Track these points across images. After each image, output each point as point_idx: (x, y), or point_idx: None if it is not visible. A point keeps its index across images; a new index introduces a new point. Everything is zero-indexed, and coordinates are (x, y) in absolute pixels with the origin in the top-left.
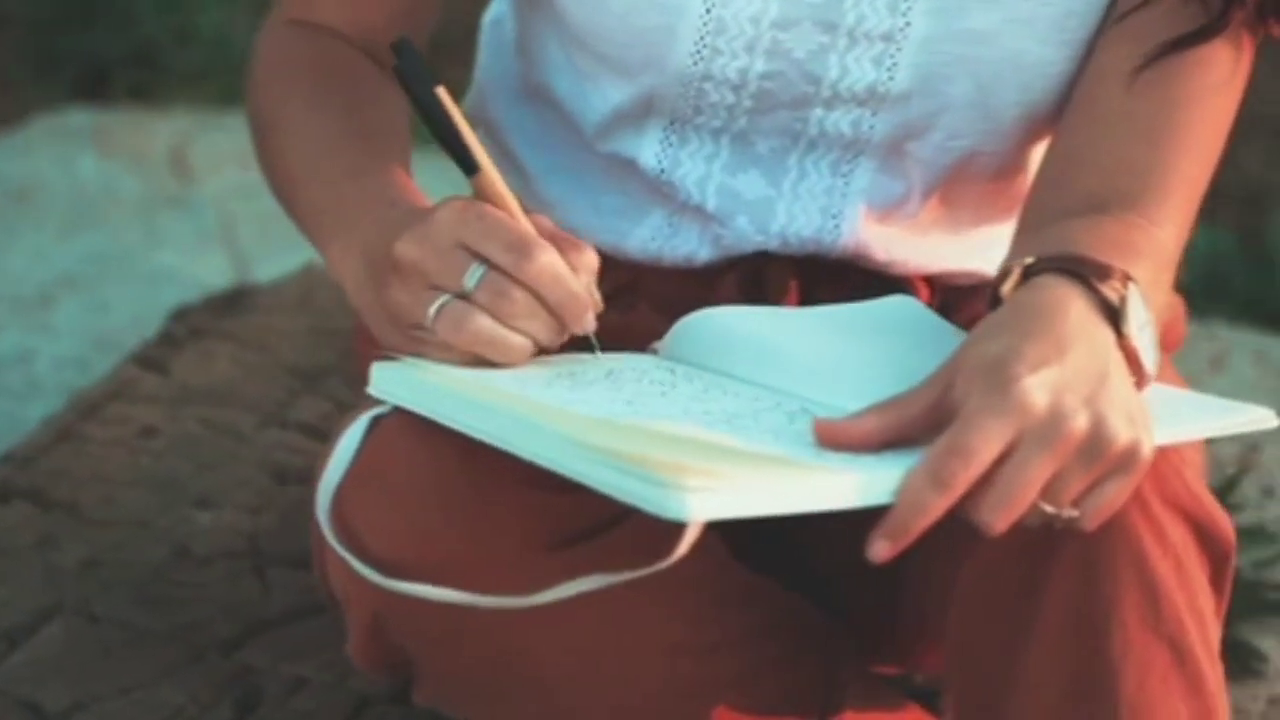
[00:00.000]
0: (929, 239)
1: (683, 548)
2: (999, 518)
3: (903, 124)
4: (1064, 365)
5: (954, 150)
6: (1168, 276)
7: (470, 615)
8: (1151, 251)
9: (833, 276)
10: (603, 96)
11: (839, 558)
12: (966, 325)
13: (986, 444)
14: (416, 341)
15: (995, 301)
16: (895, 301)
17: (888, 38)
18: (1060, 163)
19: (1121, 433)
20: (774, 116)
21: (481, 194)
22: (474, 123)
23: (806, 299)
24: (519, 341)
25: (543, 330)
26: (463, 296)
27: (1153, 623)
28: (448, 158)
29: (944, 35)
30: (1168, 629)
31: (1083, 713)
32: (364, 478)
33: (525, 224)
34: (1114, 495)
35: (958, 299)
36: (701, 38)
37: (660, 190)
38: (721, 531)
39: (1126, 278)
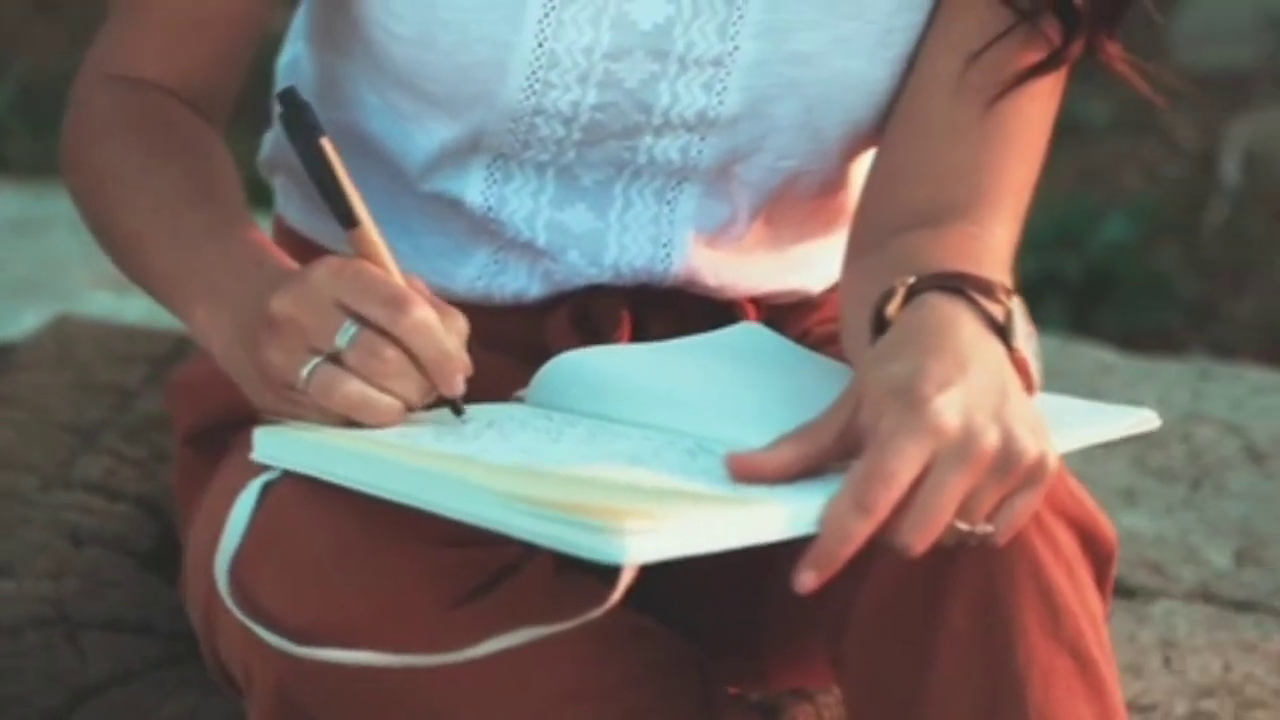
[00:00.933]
0: (754, 260)
1: (617, 593)
2: (919, 539)
3: (731, 148)
4: (968, 383)
5: (781, 171)
6: (1007, 281)
7: (383, 676)
8: (991, 259)
9: (663, 304)
10: (427, 136)
11: (695, 578)
12: (796, 342)
13: (905, 466)
14: (291, 403)
15: (880, 323)
16: (741, 329)
17: (717, 63)
18: (889, 176)
19: (1030, 446)
20: (603, 147)
21: (359, 249)
22: (276, 168)
23: (638, 328)
24: (389, 403)
25: (413, 390)
26: (335, 356)
27: (1054, 631)
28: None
29: (772, 58)
30: (1068, 636)
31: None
32: (262, 546)
33: (401, 282)
34: (1024, 508)
35: (783, 317)
36: (533, 72)
37: (486, 228)
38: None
39: (1008, 292)
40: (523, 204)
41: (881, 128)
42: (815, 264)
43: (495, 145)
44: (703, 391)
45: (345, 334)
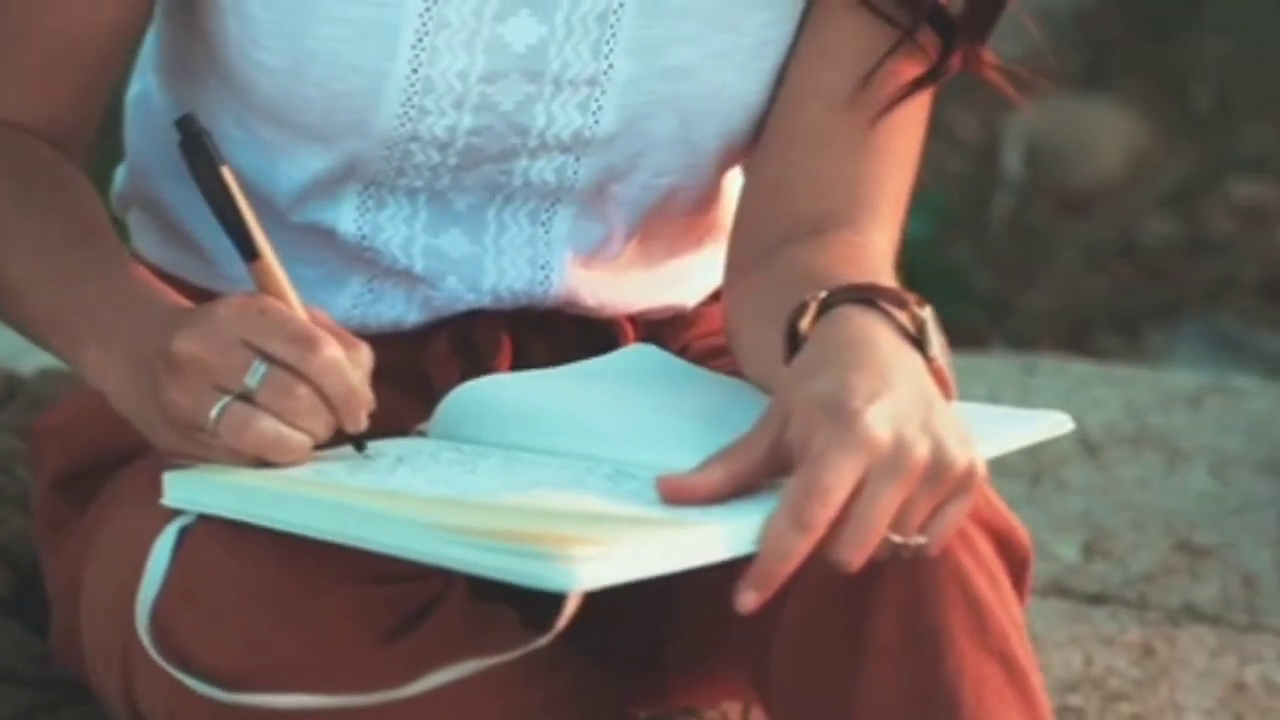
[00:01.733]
0: (629, 278)
1: (562, 621)
2: (856, 553)
3: (607, 167)
4: (895, 395)
5: (657, 188)
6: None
7: (315, 718)
8: (878, 266)
9: (541, 327)
10: (298, 167)
11: (600, 599)
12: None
13: (840, 481)
14: (196, 443)
15: (794, 337)
16: (631, 351)
17: (592, 82)
18: (768, 187)
19: (960, 456)
20: (478, 172)
21: (260, 282)
22: (130, 203)
23: (519, 351)
24: (301, 440)
25: (321, 427)
26: (244, 395)
27: (981, 639)
28: None
29: (646, 75)
30: (995, 643)
31: None
32: (183, 592)
33: (305, 316)
34: (955, 517)
35: (659, 333)
36: (408, 99)
37: (361, 257)
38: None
39: (920, 302)
40: (397, 231)
41: (754, 140)
42: (688, 279)
43: (368, 173)
44: (610, 416)
45: (255, 373)
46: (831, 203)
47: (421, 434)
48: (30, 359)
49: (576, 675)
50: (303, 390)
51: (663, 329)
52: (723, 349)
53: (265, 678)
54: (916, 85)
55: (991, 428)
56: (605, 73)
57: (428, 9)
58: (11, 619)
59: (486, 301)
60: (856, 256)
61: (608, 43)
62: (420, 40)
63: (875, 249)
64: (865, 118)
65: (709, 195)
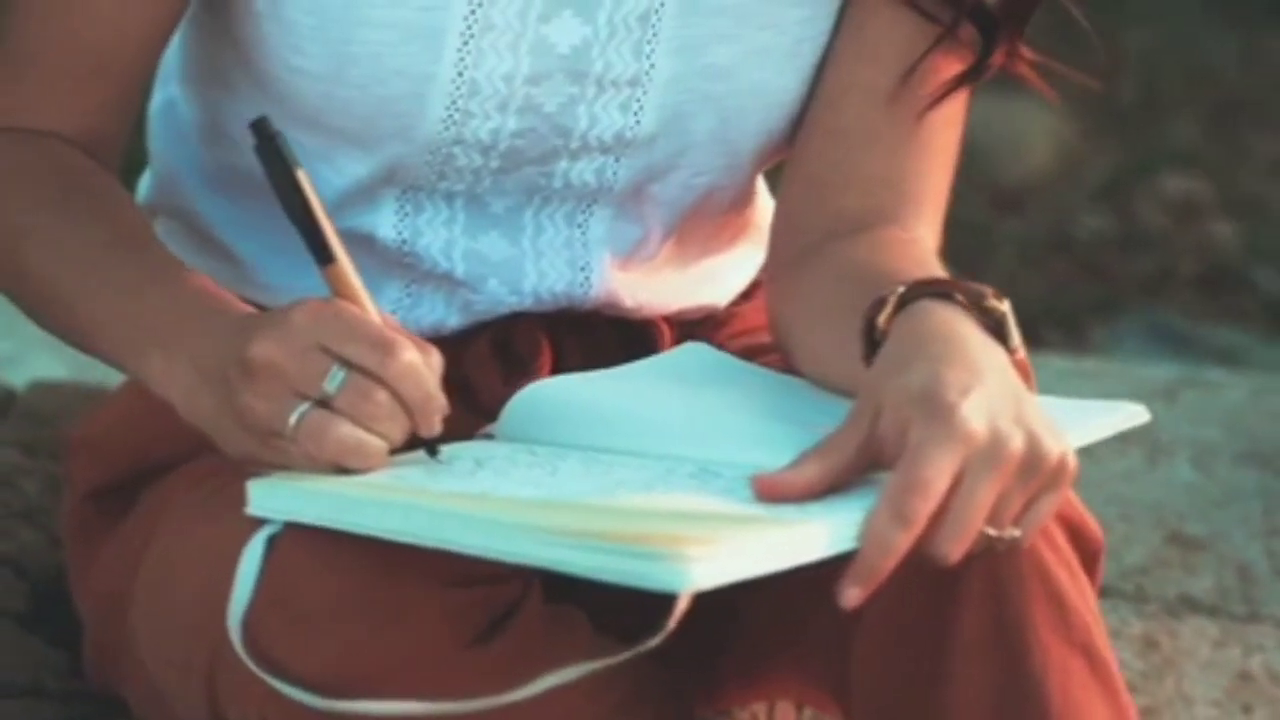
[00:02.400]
0: (664, 278)
1: (673, 621)
2: (954, 547)
3: (646, 167)
4: (986, 387)
5: (695, 188)
6: None
7: None
8: (929, 263)
9: (579, 329)
10: (337, 173)
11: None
12: None
13: (940, 475)
14: (274, 450)
15: (872, 332)
16: (686, 350)
17: (634, 82)
18: (812, 184)
19: (1053, 448)
20: (519, 174)
21: (335, 286)
22: (156, 212)
23: (557, 354)
24: (379, 445)
25: (398, 432)
26: (322, 401)
27: (1064, 632)
28: None
29: (686, 74)
30: (1078, 636)
31: None
32: (275, 600)
33: (379, 320)
34: (1048, 510)
35: (693, 333)
36: (453, 102)
37: (400, 261)
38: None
39: (998, 295)
40: (437, 235)
41: (790, 138)
42: (720, 278)
43: (409, 178)
44: (680, 415)
45: (334, 379)
46: (877, 199)
47: (489, 436)
48: (21, 371)
49: (643, 676)
50: (381, 395)
51: (697, 329)
52: (760, 348)
53: (361, 684)
54: (959, 82)
55: (1072, 420)
56: (647, 73)
57: (473, 11)
58: (32, 633)
59: (528, 304)
60: (910, 253)
61: (649, 42)
62: (466, 43)
63: (923, 245)
64: (908, 114)
65: (744, 194)
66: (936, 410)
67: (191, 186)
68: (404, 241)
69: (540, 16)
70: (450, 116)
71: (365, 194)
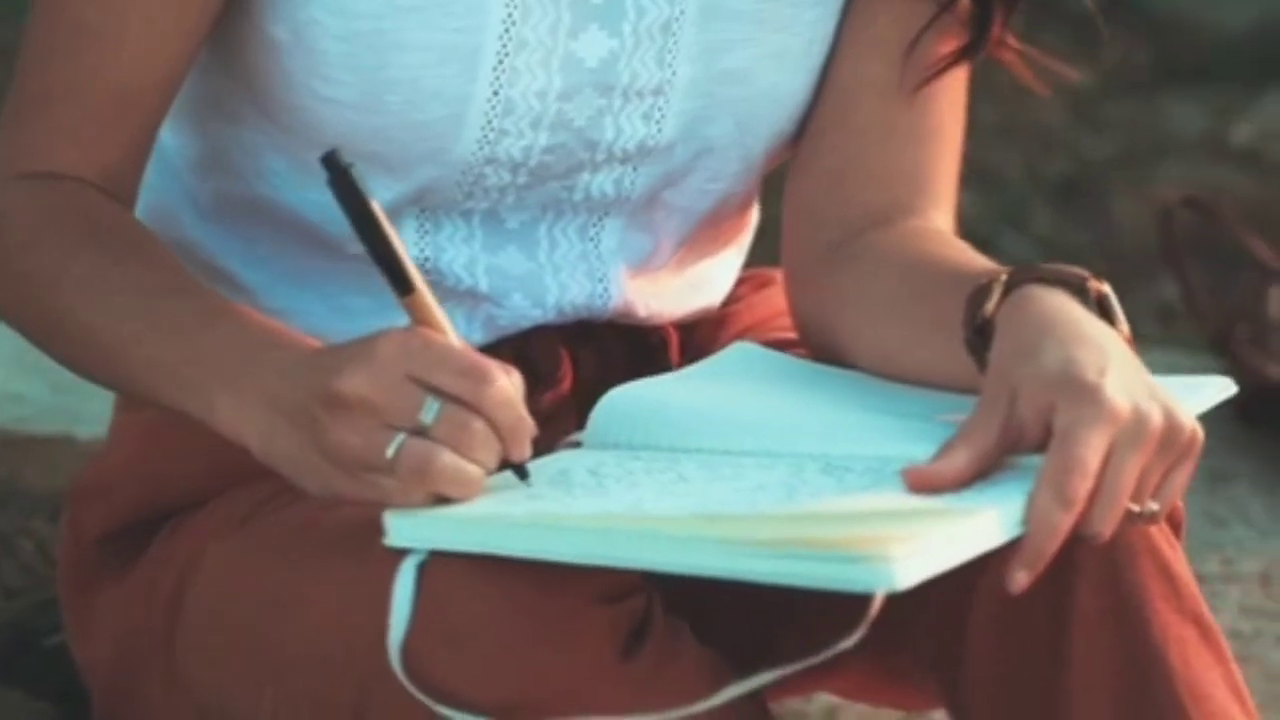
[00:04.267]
0: (669, 285)
1: (868, 621)
2: (1107, 524)
3: (664, 174)
4: (1118, 367)
5: (710, 193)
6: None
7: None
8: (969, 250)
9: (592, 339)
10: None
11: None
12: (699, 358)
13: (1094, 455)
14: (368, 485)
15: (979, 321)
16: (737, 350)
17: (657, 91)
18: (827, 182)
19: (1186, 421)
20: (542, 189)
21: (417, 315)
22: None
23: (575, 364)
24: (477, 473)
25: (492, 458)
26: (419, 432)
27: (1176, 603)
28: None
29: (705, 79)
30: (1189, 606)
31: (1146, 700)
32: (436, 628)
33: (460, 344)
34: (1182, 482)
35: (695, 337)
36: (488, 121)
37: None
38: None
39: (1097, 277)
40: (459, 252)
41: (794, 138)
42: (714, 282)
43: (436, 200)
44: (777, 411)
45: (430, 410)
46: (896, 192)
47: (575, 444)
48: None
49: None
50: (478, 424)
51: (697, 332)
52: (770, 344)
53: (534, 705)
54: (958, 56)
55: (1178, 394)
56: (669, 81)
57: (506, 30)
58: (10, 687)
59: (551, 317)
60: (953, 243)
61: (670, 51)
62: (500, 62)
63: (950, 234)
64: (920, 106)
65: (749, 198)
66: (1081, 392)
67: (187, 219)
68: (426, 260)
69: (569, 32)
70: (485, 136)
71: (390, 216)
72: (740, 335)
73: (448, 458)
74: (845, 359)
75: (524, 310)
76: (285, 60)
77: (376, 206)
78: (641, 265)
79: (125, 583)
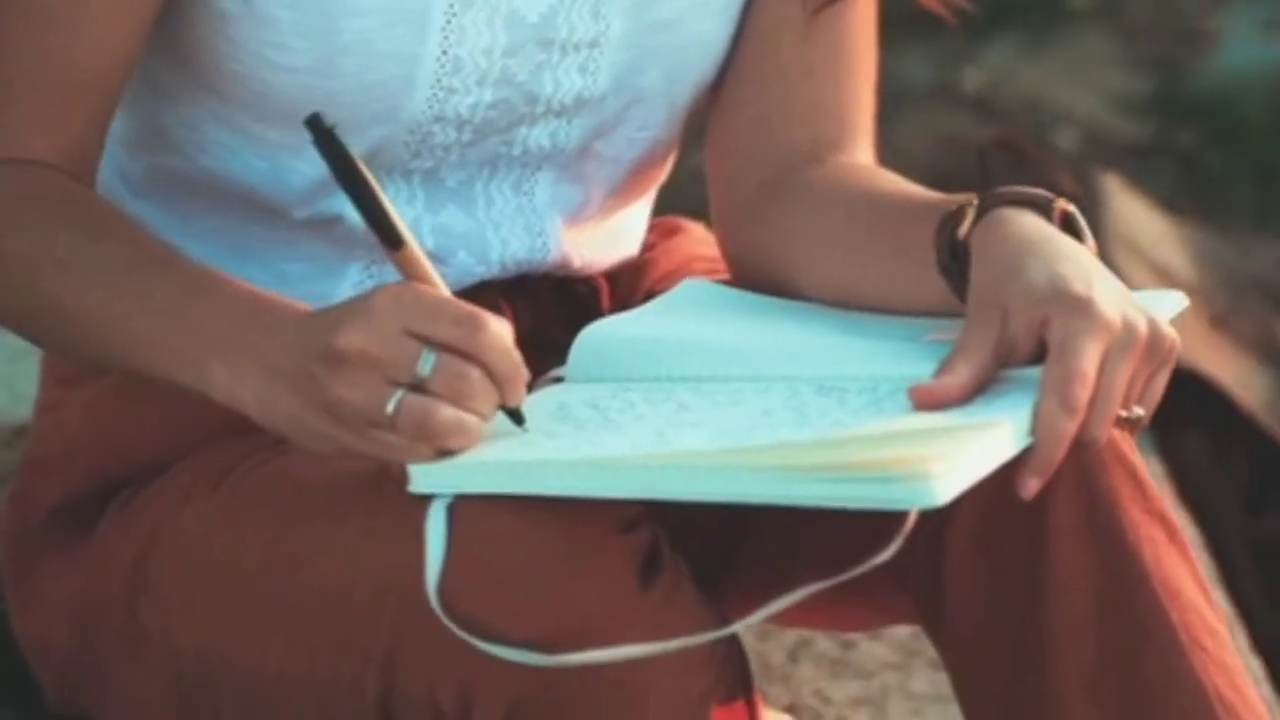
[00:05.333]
0: (596, 235)
1: (901, 538)
2: (1103, 429)
3: (596, 126)
4: (1101, 280)
5: (638, 142)
6: None
7: (618, 672)
8: (905, 181)
9: (529, 292)
10: (312, 164)
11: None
12: (625, 306)
13: (1092, 364)
14: (372, 440)
15: (953, 244)
16: (688, 286)
17: (593, 44)
18: (754, 124)
19: (1167, 329)
20: (484, 145)
21: (407, 269)
22: None
23: (516, 318)
24: (477, 423)
25: (490, 406)
26: (417, 385)
27: (1145, 504)
28: None
29: (636, 30)
30: (1156, 507)
31: (1125, 599)
32: (472, 566)
33: (450, 295)
34: (1162, 387)
35: (621, 284)
36: (438, 80)
37: (366, 242)
38: None
39: (1061, 197)
40: (404, 213)
41: (716, 84)
42: (632, 230)
43: (385, 160)
44: (754, 338)
45: (426, 362)
46: (822, 129)
47: (557, 379)
48: None
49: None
50: (475, 373)
51: (620, 280)
52: None
53: (573, 635)
54: None
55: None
56: (604, 33)
57: None
58: None
59: (495, 272)
60: (886, 174)
61: (605, 3)
62: (449, 21)
63: (879, 167)
64: (838, 44)
65: (672, 145)
66: (1074, 305)
67: (122, 196)
68: None
69: None
70: (434, 95)
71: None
72: (661, 281)
73: (447, 411)
74: (796, 293)
75: (469, 267)
76: (234, 31)
77: (362, 165)
78: (574, 217)
79: (77, 555)
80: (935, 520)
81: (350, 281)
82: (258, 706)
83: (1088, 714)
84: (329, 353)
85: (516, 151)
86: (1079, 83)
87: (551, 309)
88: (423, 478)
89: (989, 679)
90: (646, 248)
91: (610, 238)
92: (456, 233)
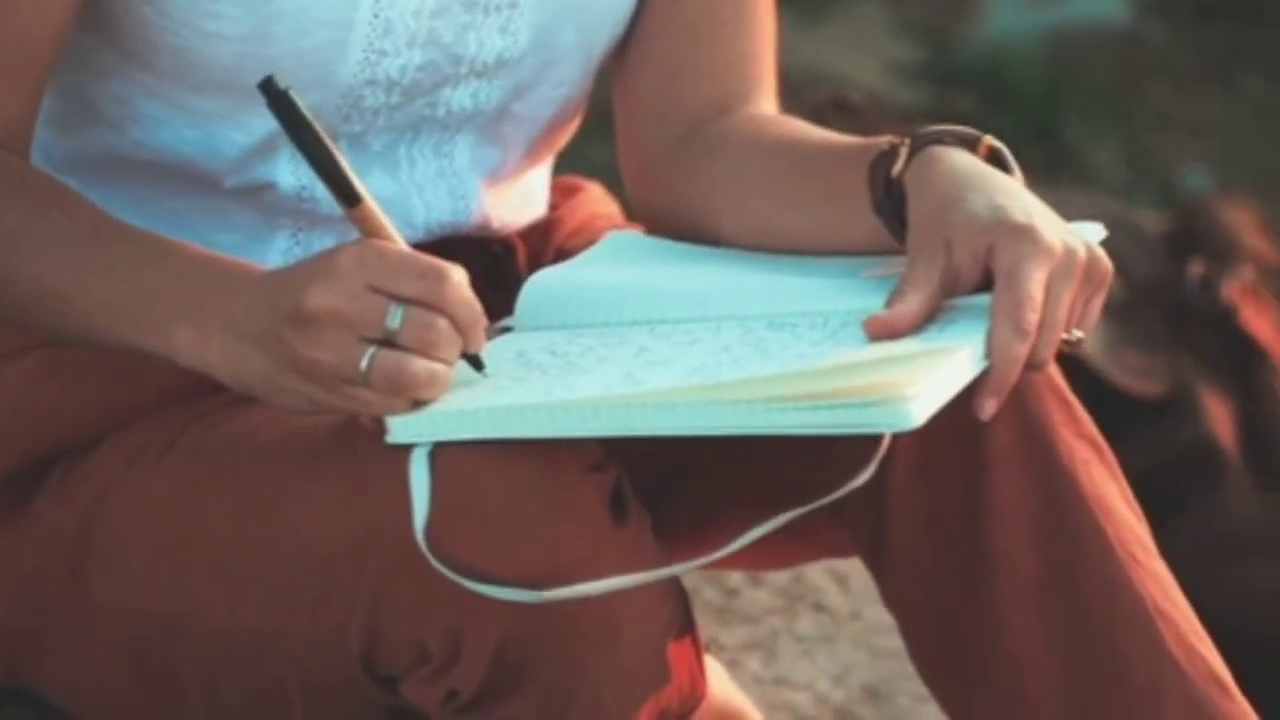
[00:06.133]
0: (510, 196)
1: (876, 460)
2: (1049, 351)
3: (515, 86)
4: (1039, 209)
5: (554, 100)
6: None
7: (599, 606)
8: (815, 128)
9: (450, 254)
10: (244, 131)
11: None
12: (554, 261)
13: (1039, 288)
14: (345, 396)
15: (887, 183)
16: (618, 237)
17: (512, 4)
18: (664, 80)
19: (1102, 255)
20: (410, 108)
21: (364, 225)
22: None
23: None
24: (446, 372)
25: (454, 354)
26: (387, 340)
27: (1075, 427)
28: None
29: None
30: (1085, 430)
31: (1062, 518)
32: (461, 510)
33: (409, 249)
34: (1099, 310)
35: (529, 242)
36: (369, 43)
37: (295, 209)
38: None
39: (986, 133)
40: None
41: (622, 41)
42: (538, 190)
43: (322, 125)
44: (695, 281)
45: (395, 316)
46: (730, 83)
47: (506, 329)
48: None
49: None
50: (442, 322)
51: (533, 238)
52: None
53: (560, 571)
54: None
55: None
56: None
57: None
58: None
59: (420, 236)
60: (799, 123)
61: None
62: None
63: (785, 116)
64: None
65: (583, 102)
66: (1017, 232)
67: (51, 170)
68: (303, 188)
69: None
70: (366, 58)
71: (268, 147)
72: (570, 238)
73: (419, 364)
74: (720, 242)
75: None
76: (167, 3)
77: (318, 125)
78: (492, 178)
79: (15, 531)
80: (875, 450)
81: (278, 249)
82: (229, 663)
83: (1032, 629)
84: (298, 314)
85: (440, 113)
86: (856, 52)
87: (472, 270)
88: (401, 429)
89: (933, 603)
90: (551, 207)
91: (522, 198)
92: (383, 198)
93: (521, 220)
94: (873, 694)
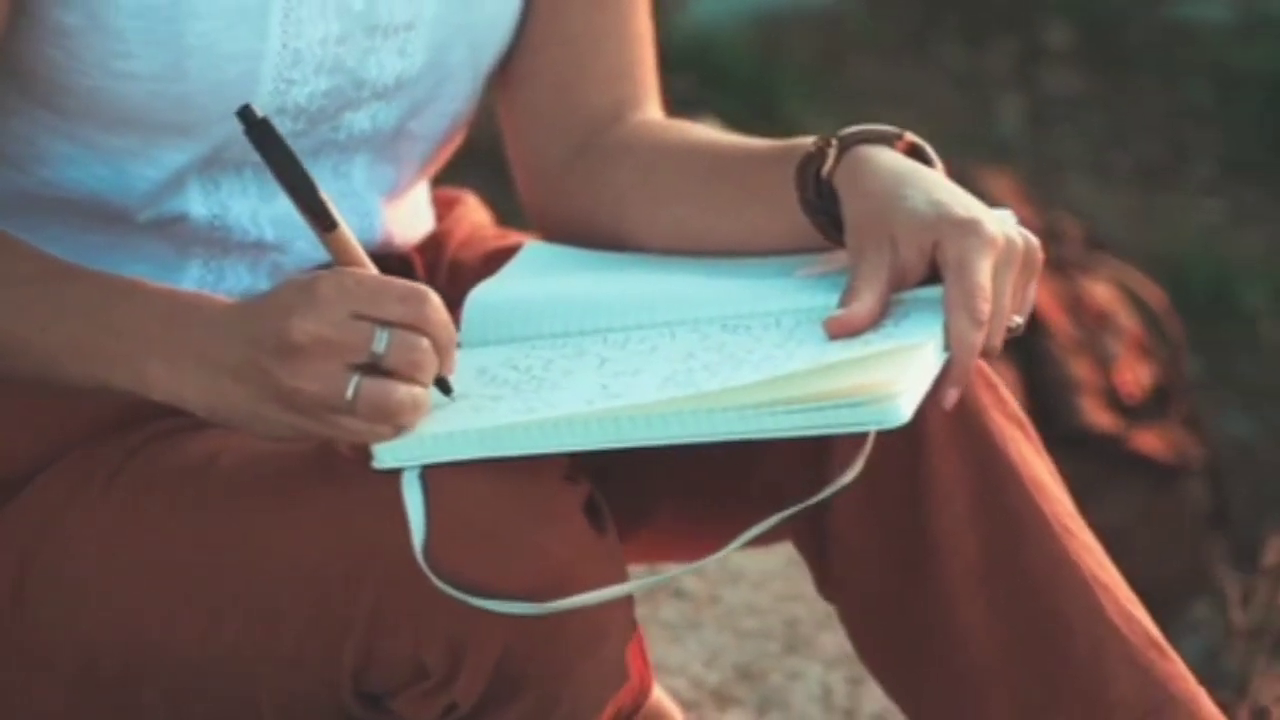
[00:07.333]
0: (403, 212)
1: (862, 460)
2: (999, 338)
3: (411, 105)
4: (974, 202)
5: (447, 116)
6: None
7: (595, 617)
8: (716, 130)
9: None
10: (155, 166)
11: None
12: (451, 272)
13: (988, 278)
14: (329, 424)
15: (817, 181)
16: (535, 248)
17: (409, 26)
18: (554, 91)
19: (1036, 243)
20: (315, 133)
21: (339, 251)
22: None
23: None
24: (426, 395)
25: (432, 376)
26: (371, 366)
27: (1003, 409)
28: None
29: (446, 11)
30: (1012, 410)
31: (999, 497)
32: (459, 527)
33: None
34: (1034, 295)
35: (422, 256)
36: (279, 74)
37: (208, 238)
38: None
39: (902, 132)
40: (242, 206)
41: (506, 54)
42: (424, 205)
43: (227, 157)
44: (636, 288)
45: (380, 340)
46: (621, 90)
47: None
48: None
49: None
50: (425, 343)
51: (428, 252)
52: (500, 251)
53: (550, 585)
54: None
55: None
56: (418, 15)
57: None
58: None
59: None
60: (698, 127)
61: None
62: (286, 16)
63: (679, 121)
64: (619, 9)
65: (469, 117)
66: (962, 227)
67: None
68: (215, 217)
69: None
70: (276, 88)
71: (178, 180)
72: (460, 250)
73: (402, 390)
74: (634, 247)
75: (306, 254)
76: (77, 44)
77: (295, 152)
78: (389, 196)
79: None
80: (814, 443)
81: (191, 278)
82: (196, 688)
83: (978, 606)
84: (283, 345)
85: (341, 137)
86: None
87: None
88: (389, 454)
89: (876, 588)
90: (437, 219)
91: (413, 213)
92: (294, 222)
93: (415, 235)
94: (745, 674)
